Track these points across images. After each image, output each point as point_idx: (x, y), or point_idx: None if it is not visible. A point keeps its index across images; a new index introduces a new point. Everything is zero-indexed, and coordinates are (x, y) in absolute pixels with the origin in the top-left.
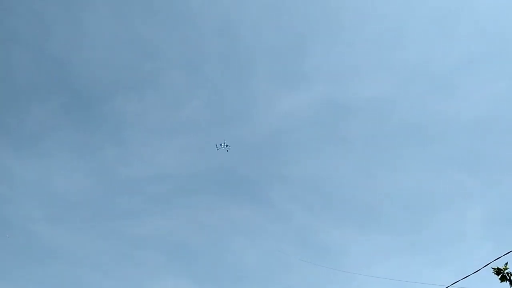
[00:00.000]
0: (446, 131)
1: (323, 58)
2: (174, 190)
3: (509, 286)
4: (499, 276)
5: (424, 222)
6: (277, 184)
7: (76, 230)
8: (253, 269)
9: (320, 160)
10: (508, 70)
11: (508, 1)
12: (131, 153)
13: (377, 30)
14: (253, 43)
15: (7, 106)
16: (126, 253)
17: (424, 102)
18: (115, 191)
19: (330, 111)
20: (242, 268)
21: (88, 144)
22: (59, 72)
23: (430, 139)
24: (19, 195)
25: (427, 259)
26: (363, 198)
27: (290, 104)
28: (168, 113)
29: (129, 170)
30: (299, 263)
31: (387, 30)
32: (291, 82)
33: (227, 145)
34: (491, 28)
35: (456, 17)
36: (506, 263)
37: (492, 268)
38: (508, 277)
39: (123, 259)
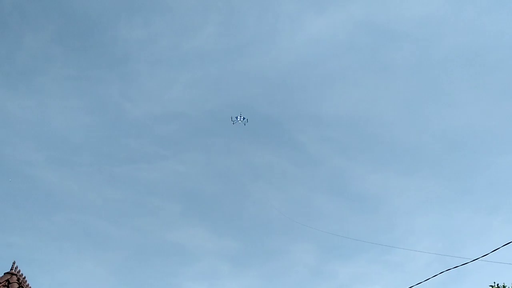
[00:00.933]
0: (509, 58)
1: None
2: (186, 130)
3: None
4: None
5: (477, 166)
6: (306, 123)
7: (80, 175)
8: (277, 220)
9: (356, 94)
10: None
11: None
12: (137, 88)
13: None
14: None
15: None
16: (136, 200)
17: (481, 23)
18: (121, 131)
19: (368, 36)
20: (264, 219)
21: (88, 78)
22: None
23: (488, 68)
24: (15, 136)
25: (478, 207)
26: (406, 138)
27: (320, 28)
28: (178, 41)
29: (135, 107)
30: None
31: None
32: (321, 1)
33: (244, 118)
34: None
35: None
36: None
37: None
38: None
39: (133, 206)
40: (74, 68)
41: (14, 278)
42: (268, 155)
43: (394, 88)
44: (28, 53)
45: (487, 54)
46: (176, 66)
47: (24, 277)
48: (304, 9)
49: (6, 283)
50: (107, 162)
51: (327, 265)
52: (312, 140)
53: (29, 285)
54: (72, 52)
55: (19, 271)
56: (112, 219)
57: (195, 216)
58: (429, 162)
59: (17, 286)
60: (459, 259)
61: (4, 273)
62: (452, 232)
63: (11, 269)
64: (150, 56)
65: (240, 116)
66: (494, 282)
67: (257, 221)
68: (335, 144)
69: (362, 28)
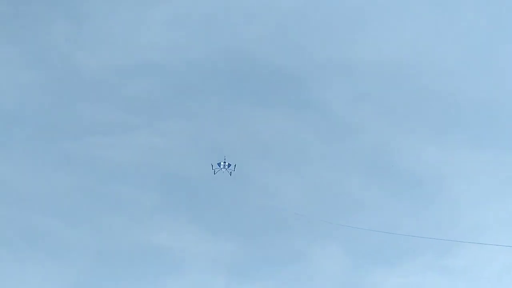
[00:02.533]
0: None
1: None
2: (164, 89)
3: None
4: None
5: None
6: (332, 76)
7: (15, 155)
8: (291, 214)
9: (403, 33)
10: None
11: None
12: (91, 30)
13: None
14: None
15: None
16: (97, 190)
17: None
18: (75, 92)
19: None
20: (273, 212)
21: (26, 17)
22: None
23: None
24: None
25: None
26: (476, 96)
27: None
28: None
29: (91, 57)
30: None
31: None
32: None
33: (229, 164)
34: None
35: None
36: None
37: None
38: None
39: (94, 198)
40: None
41: None
42: (280, 122)
43: (458, 25)
44: None
45: None
46: None
47: None
48: None
49: None
50: (53, 136)
51: (363, 274)
52: (341, 100)
53: None
54: None
55: None
56: (64, 216)
57: (178, 209)
58: (509, 130)
59: None
60: None
61: None
62: None
63: None
64: None
65: (224, 162)
66: None
67: (263, 216)
68: (374, 104)
69: None
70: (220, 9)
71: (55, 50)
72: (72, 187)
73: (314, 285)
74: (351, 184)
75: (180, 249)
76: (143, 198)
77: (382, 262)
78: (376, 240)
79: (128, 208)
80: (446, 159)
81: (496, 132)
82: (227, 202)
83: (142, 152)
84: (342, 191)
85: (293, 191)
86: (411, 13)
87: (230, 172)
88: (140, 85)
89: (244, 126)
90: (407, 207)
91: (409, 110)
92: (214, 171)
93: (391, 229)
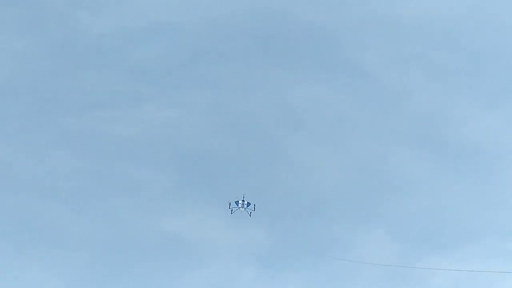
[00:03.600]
0: None
1: None
2: (180, 54)
3: None
4: None
5: None
6: (373, 34)
7: (10, 132)
8: (330, 193)
9: None
10: None
11: None
12: None
13: None
14: None
15: None
16: (105, 171)
17: None
18: (76, 59)
19: None
20: (309, 192)
21: None
22: None
23: None
24: None
25: None
26: None
27: None
28: None
29: (98, 18)
30: None
31: None
32: None
33: (248, 203)
34: None
35: None
36: None
37: None
38: None
39: (102, 180)
40: None
41: None
42: (313, 88)
43: None
44: None
45: None
46: None
47: None
48: None
49: None
50: (54, 110)
51: (412, 262)
52: (384, 61)
53: None
54: None
55: None
56: (67, 202)
57: (197, 191)
58: None
59: None
60: None
61: None
62: None
63: None
64: None
65: (243, 201)
66: None
67: (297, 197)
68: (422, 67)
69: None
70: None
71: (53, 11)
72: (75, 168)
73: (359, 275)
74: (397, 158)
75: (200, 237)
76: (156, 179)
77: (433, 248)
78: (427, 223)
79: (139, 191)
80: (506, 129)
81: None
82: (254, 182)
83: (154, 127)
84: (386, 167)
85: (330, 167)
86: None
87: (250, 212)
88: (151, 50)
89: (272, 94)
90: (461, 183)
91: (463, 74)
92: (232, 210)
93: (445, 211)
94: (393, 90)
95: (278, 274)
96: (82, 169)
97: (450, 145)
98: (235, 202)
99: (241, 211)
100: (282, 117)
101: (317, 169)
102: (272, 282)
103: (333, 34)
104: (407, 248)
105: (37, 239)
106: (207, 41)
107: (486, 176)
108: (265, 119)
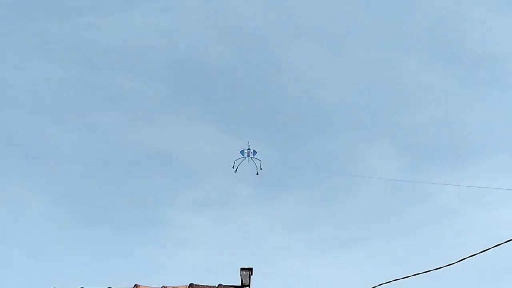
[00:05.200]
0: None
1: None
2: None
3: None
4: None
5: None
6: None
7: None
8: (336, 101)
9: None
10: None
11: None
12: None
13: None
14: None
15: None
16: (88, 81)
17: None
18: None
19: None
20: (314, 96)
21: None
22: None
23: None
24: None
25: None
26: None
27: None
28: None
29: None
30: None
31: None
32: None
33: (255, 152)
34: None
35: None
36: None
37: None
38: None
39: (85, 92)
40: None
41: None
42: None
43: None
44: None
45: None
46: None
47: None
48: None
49: None
50: (33, 15)
51: (419, 177)
52: None
53: None
54: None
55: None
56: (50, 115)
57: (192, 105)
58: None
59: None
60: None
61: None
62: None
63: None
64: None
65: (249, 149)
66: None
67: (296, 109)
68: None
69: None
70: None
71: None
72: (58, 79)
73: (361, 191)
74: (404, 65)
75: (192, 152)
76: (145, 90)
77: (441, 162)
78: (435, 136)
79: (128, 103)
80: None
81: None
82: (251, 95)
83: (142, 34)
84: (392, 75)
85: (331, 76)
86: None
87: (257, 168)
88: None
89: None
90: (474, 92)
91: None
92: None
93: (455, 123)
94: None
95: (275, 191)
96: (65, 79)
97: (463, 50)
98: (240, 152)
99: (247, 161)
100: (282, 22)
101: (318, 78)
102: (268, 199)
103: None
104: (413, 162)
105: (19, 153)
106: None
107: (502, 85)
108: (262, 22)
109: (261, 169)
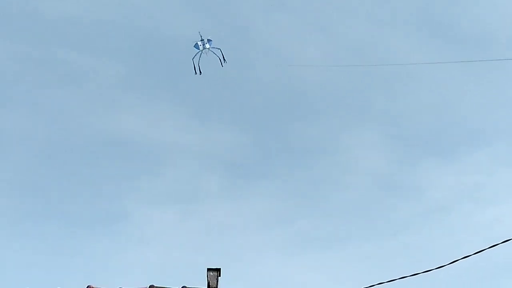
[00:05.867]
0: None
1: None
2: None
3: None
4: None
5: None
6: None
7: None
8: (319, 82)
9: None
10: None
11: None
12: None
13: None
14: None
15: None
16: (36, 56)
17: None
18: None
19: None
20: (288, 82)
21: None
22: None
23: None
24: None
25: None
26: None
27: None
28: None
29: None
30: None
31: None
32: None
33: (209, 40)
34: None
35: None
36: None
37: None
38: None
39: (33, 66)
40: None
41: None
42: None
43: None
44: None
45: None
46: None
47: None
48: None
49: None
50: None
51: (408, 169)
52: None
53: None
54: None
55: None
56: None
57: (155, 86)
58: None
59: None
60: None
61: None
62: None
63: None
64: None
65: (202, 40)
66: None
67: (273, 89)
68: None
69: None
70: None
71: None
72: (5, 52)
73: (345, 183)
74: (394, 44)
75: (156, 138)
76: (104, 68)
77: (433, 153)
78: (427, 124)
79: (83, 82)
80: None
81: None
82: (225, 78)
83: (101, 5)
84: (380, 54)
85: (315, 54)
86: None
87: (220, 59)
88: None
89: None
90: (471, 75)
91: None
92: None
93: (446, 107)
94: None
95: (247, 183)
96: (14, 54)
97: (458, 28)
98: (193, 46)
99: (206, 54)
100: None
101: (299, 57)
102: (239, 192)
103: None
104: (402, 151)
105: None
106: None
107: (501, 67)
108: None
109: (224, 60)
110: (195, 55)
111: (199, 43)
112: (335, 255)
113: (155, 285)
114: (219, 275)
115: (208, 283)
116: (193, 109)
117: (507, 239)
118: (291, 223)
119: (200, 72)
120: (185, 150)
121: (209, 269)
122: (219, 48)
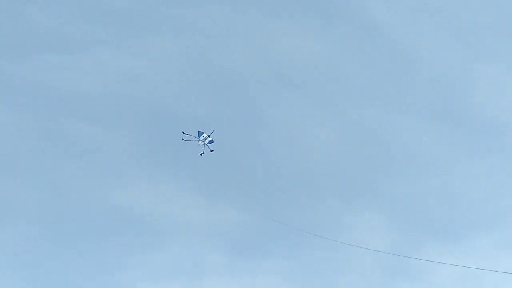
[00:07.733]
0: None
1: None
2: None
3: None
4: None
5: None
6: None
7: None
8: (326, 163)
9: None
10: None
11: None
12: None
13: None
14: None
15: None
16: (47, 128)
17: None
18: None
19: None
20: (295, 162)
21: None
22: None
23: None
24: None
25: None
26: None
27: None
28: None
29: None
30: None
31: None
32: None
33: (211, 141)
34: None
35: None
36: None
37: None
38: None
39: (42, 139)
40: None
41: None
42: (302, 39)
43: None
44: None
45: None
46: None
47: None
48: None
49: None
50: None
51: (410, 251)
52: (391, 10)
53: None
54: None
55: None
56: (5, 164)
57: (158, 160)
58: None
59: None
60: None
61: None
62: None
63: None
64: None
65: (208, 136)
66: None
67: (280, 168)
68: (435, 17)
69: None
70: None
71: None
72: (13, 123)
73: (348, 263)
74: (402, 128)
75: (160, 213)
76: (110, 141)
77: (438, 237)
78: (432, 207)
79: (90, 155)
80: None
81: None
82: (231, 150)
83: (108, 78)
84: (387, 138)
85: (321, 135)
86: None
87: (210, 150)
88: None
89: (255, 45)
90: (477, 161)
91: (483, 27)
92: (186, 138)
93: (452, 192)
94: (400, 45)
95: (254, 260)
96: (21, 124)
97: (466, 115)
98: (198, 131)
99: (199, 145)
100: (266, 73)
101: (306, 137)
102: (246, 269)
103: None
104: (407, 235)
105: None
106: None
107: (507, 154)
108: (246, 75)
109: (212, 150)
110: (192, 138)
111: (204, 135)
112: None
113: None
114: None
115: None
116: (200, 186)
117: None
118: None
119: (183, 139)
120: (191, 226)
121: None
122: (212, 150)
